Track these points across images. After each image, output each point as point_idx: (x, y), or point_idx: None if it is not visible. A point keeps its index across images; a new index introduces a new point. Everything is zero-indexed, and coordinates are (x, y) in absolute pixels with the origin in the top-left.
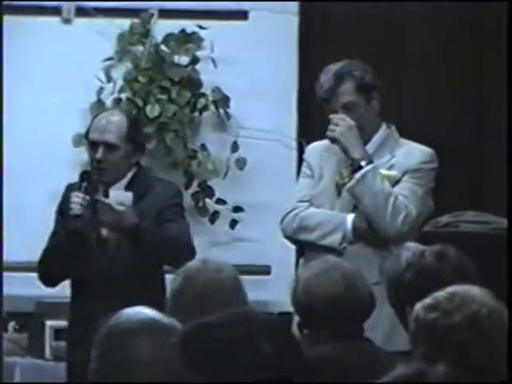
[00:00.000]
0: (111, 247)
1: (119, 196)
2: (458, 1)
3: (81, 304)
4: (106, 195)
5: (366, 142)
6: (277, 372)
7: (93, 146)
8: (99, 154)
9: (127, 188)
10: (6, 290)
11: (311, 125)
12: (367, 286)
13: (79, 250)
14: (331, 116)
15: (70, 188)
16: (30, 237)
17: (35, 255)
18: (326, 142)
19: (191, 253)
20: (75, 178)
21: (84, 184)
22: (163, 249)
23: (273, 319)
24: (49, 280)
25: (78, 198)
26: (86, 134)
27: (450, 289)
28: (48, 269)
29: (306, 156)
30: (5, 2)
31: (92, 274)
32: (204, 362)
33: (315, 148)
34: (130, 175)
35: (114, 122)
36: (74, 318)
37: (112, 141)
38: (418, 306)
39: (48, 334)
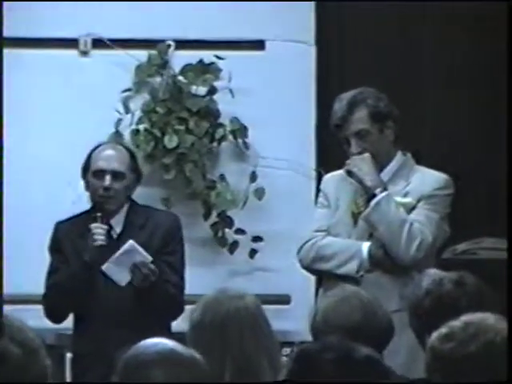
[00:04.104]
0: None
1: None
2: (459, 1)
3: (87, 335)
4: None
5: (381, 169)
6: None
7: (99, 174)
8: (107, 181)
9: (126, 219)
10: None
11: (329, 154)
12: (386, 314)
13: (93, 282)
14: (345, 169)
15: (61, 226)
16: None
17: None
18: (342, 171)
19: (180, 311)
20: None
21: (99, 214)
22: (161, 304)
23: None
24: (58, 316)
25: (100, 229)
26: (86, 166)
27: (465, 318)
28: (58, 305)
29: (322, 186)
30: (20, 36)
31: (100, 305)
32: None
33: (331, 178)
34: (126, 207)
35: (119, 151)
36: (80, 350)
37: (119, 169)
38: (434, 335)
39: (68, 365)
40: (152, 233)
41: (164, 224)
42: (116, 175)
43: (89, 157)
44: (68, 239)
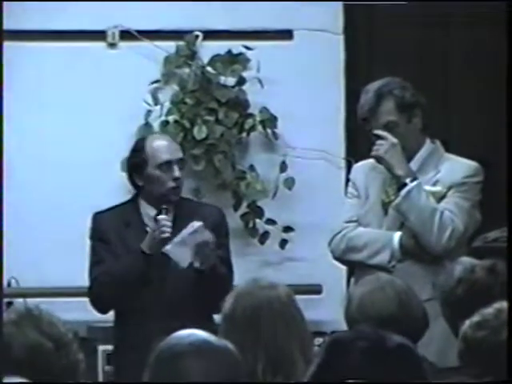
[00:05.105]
0: (173, 272)
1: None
2: (459, 0)
3: (135, 327)
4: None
5: (410, 158)
6: None
7: (164, 166)
8: (177, 172)
9: (175, 211)
10: (59, 316)
11: (359, 143)
12: (421, 304)
13: (148, 273)
14: (375, 131)
15: (103, 216)
16: (81, 261)
17: (86, 280)
18: (371, 161)
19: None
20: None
21: (165, 206)
22: (212, 296)
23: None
24: (107, 306)
25: (167, 221)
26: (143, 160)
27: (497, 305)
28: (108, 295)
29: (351, 176)
30: (49, 29)
31: (151, 297)
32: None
33: (361, 168)
34: None
35: (172, 141)
36: (124, 343)
37: (182, 157)
38: (466, 324)
39: (100, 358)
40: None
41: (211, 217)
42: (181, 164)
43: (141, 150)
44: (112, 229)
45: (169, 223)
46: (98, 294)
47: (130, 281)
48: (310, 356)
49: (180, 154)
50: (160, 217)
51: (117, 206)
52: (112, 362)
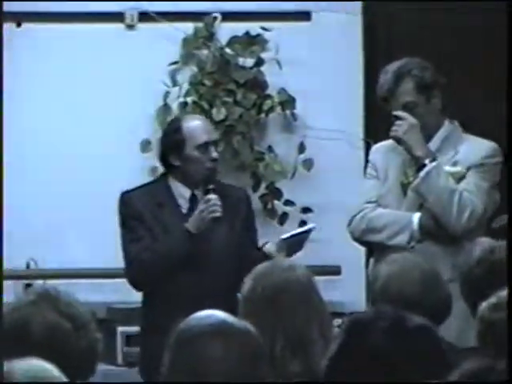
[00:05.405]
0: (216, 254)
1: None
2: (460, 0)
3: (167, 309)
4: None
5: (429, 139)
6: None
7: (203, 147)
8: (214, 153)
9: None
10: (78, 297)
11: (377, 124)
12: (445, 287)
13: (194, 254)
14: (395, 112)
15: (134, 195)
16: (100, 243)
17: (105, 262)
18: (390, 142)
19: None
20: (144, 183)
21: (212, 186)
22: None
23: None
24: (147, 284)
25: (216, 200)
26: (181, 140)
27: None
28: (148, 274)
29: (370, 157)
30: (67, 11)
31: (189, 279)
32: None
33: (380, 148)
34: None
35: (208, 121)
36: (155, 324)
37: (217, 138)
38: (484, 305)
39: (119, 340)
40: (234, 209)
41: (242, 200)
42: (216, 145)
43: (178, 130)
44: (146, 208)
45: (219, 203)
46: (139, 272)
47: (174, 259)
48: (329, 337)
49: (216, 135)
50: (210, 196)
51: (144, 186)
52: (139, 344)
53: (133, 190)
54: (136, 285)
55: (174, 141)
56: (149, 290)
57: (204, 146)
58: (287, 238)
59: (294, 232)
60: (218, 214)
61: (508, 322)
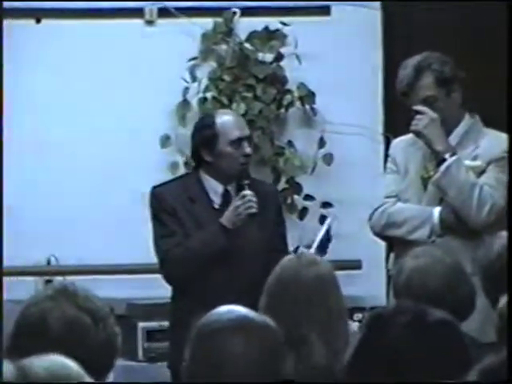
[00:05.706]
0: (249, 252)
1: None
2: (460, 0)
3: (200, 304)
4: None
5: (449, 133)
6: None
7: (236, 142)
8: (248, 148)
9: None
10: (98, 293)
11: (397, 118)
12: (470, 283)
13: (229, 250)
14: (415, 107)
15: (165, 190)
16: (119, 239)
17: (125, 257)
18: (410, 136)
19: None
20: (163, 179)
21: (247, 182)
22: None
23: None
24: (182, 280)
25: (252, 196)
26: (214, 136)
27: None
28: (183, 269)
29: (390, 151)
30: (86, 7)
31: (224, 275)
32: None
33: (400, 143)
34: None
35: (241, 117)
36: (183, 320)
37: (250, 134)
38: (502, 300)
39: (140, 335)
40: (265, 204)
41: (272, 195)
42: (250, 141)
43: (211, 126)
44: (178, 203)
45: (254, 199)
46: (174, 267)
47: (209, 255)
48: (347, 333)
49: (248, 131)
50: (246, 192)
51: (174, 180)
52: (168, 339)
53: (164, 183)
54: (171, 281)
55: (207, 136)
56: (182, 286)
57: (237, 142)
58: (317, 246)
59: (318, 238)
60: (254, 210)
61: (508, 322)
